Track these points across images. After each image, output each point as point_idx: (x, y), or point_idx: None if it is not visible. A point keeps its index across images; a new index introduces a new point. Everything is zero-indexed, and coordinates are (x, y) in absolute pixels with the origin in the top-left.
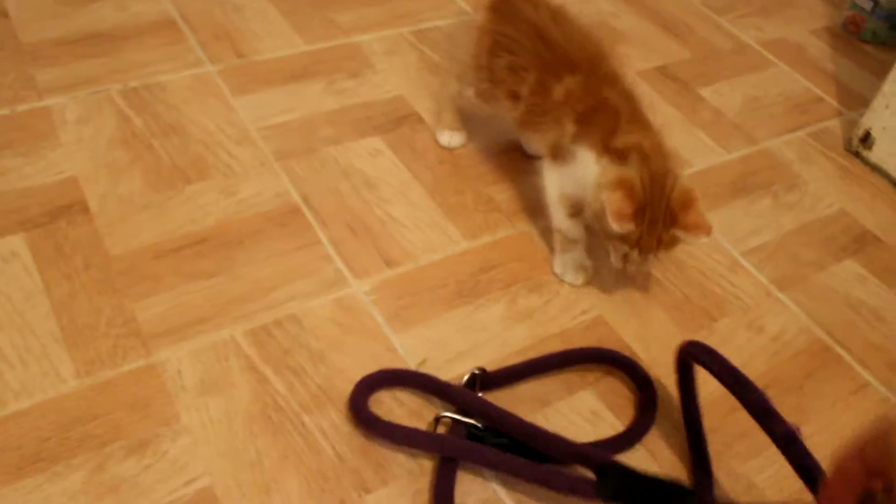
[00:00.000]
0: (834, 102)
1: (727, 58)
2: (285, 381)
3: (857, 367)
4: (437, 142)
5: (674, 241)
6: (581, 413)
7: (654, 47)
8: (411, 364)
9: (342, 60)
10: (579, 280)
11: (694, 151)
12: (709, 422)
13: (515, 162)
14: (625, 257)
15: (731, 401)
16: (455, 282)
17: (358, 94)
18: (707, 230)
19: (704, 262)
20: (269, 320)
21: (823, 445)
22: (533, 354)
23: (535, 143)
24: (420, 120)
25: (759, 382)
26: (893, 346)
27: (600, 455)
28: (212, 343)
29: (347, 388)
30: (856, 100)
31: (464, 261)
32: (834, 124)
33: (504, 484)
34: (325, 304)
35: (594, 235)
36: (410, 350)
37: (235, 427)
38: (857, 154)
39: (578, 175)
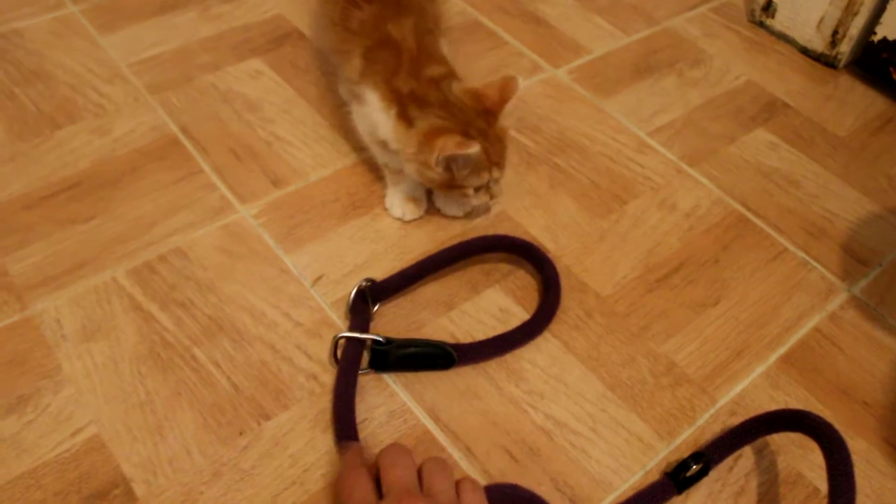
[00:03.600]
0: None
1: None
2: (173, 317)
3: (774, 234)
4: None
5: (504, 133)
6: (489, 311)
7: None
8: (306, 282)
9: None
10: (407, 215)
11: (592, 37)
12: (622, 306)
13: None
14: (486, 188)
15: (645, 283)
16: (347, 194)
17: (235, 18)
18: (514, 81)
19: (610, 145)
20: (152, 256)
21: (745, 316)
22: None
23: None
24: (301, 36)
25: (675, 260)
26: (807, 209)
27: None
28: (92, 287)
29: (240, 314)
30: None
31: (356, 172)
32: None
33: (412, 394)
34: (212, 233)
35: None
36: (304, 269)
37: (122, 370)
38: (761, 24)
39: (373, 119)
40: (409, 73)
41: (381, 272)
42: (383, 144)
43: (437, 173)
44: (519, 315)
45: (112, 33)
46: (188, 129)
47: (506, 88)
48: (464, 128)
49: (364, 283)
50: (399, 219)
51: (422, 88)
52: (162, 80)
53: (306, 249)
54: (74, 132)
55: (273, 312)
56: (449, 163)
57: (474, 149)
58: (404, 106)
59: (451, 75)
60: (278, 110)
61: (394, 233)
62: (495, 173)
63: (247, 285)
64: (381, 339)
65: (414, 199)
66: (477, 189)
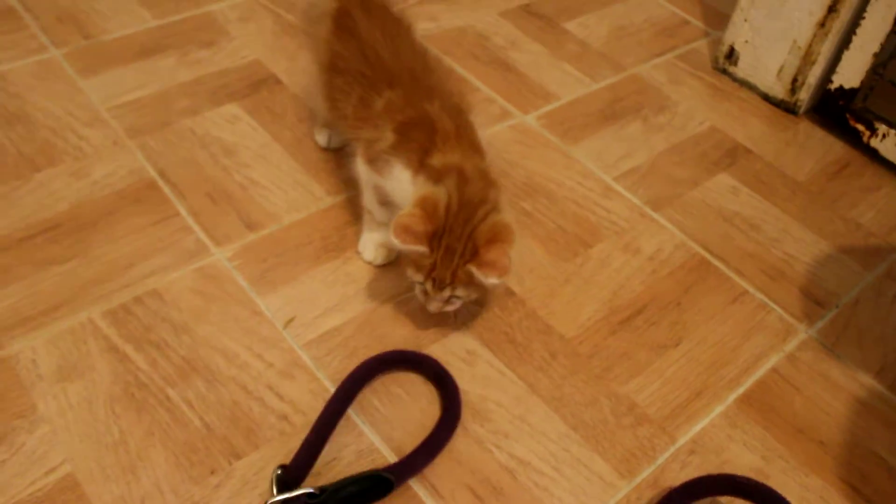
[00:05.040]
0: (700, 24)
1: None
2: (147, 357)
3: (735, 277)
4: (315, 141)
5: (471, 280)
6: (457, 354)
7: None
8: (278, 324)
9: (195, 31)
10: (378, 259)
11: (561, 84)
12: (586, 348)
13: None
14: (424, 291)
15: (609, 325)
16: (320, 238)
17: (213, 63)
18: (501, 272)
19: (576, 190)
20: (128, 298)
21: (705, 357)
22: (403, 301)
23: (356, 145)
24: (278, 81)
25: (638, 302)
26: (767, 252)
27: None
28: (69, 328)
29: (213, 355)
30: (721, 19)
31: (329, 216)
32: (701, 45)
33: (381, 433)
34: (187, 276)
35: None
36: (277, 311)
37: (97, 410)
38: (724, 71)
39: (392, 187)
40: (443, 151)
41: (352, 315)
42: (387, 204)
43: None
44: (485, 356)
45: (92, 77)
46: (166, 172)
47: (494, 264)
48: (438, 231)
49: (278, 472)
50: (370, 262)
51: (467, 172)
52: (141, 124)
53: (279, 292)
54: (54, 175)
55: (246, 353)
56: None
57: (402, 243)
58: (434, 173)
59: (494, 186)
60: (254, 155)
61: (364, 276)
62: (429, 287)
63: (220, 327)
64: (313, 491)
65: (386, 246)
66: (414, 281)
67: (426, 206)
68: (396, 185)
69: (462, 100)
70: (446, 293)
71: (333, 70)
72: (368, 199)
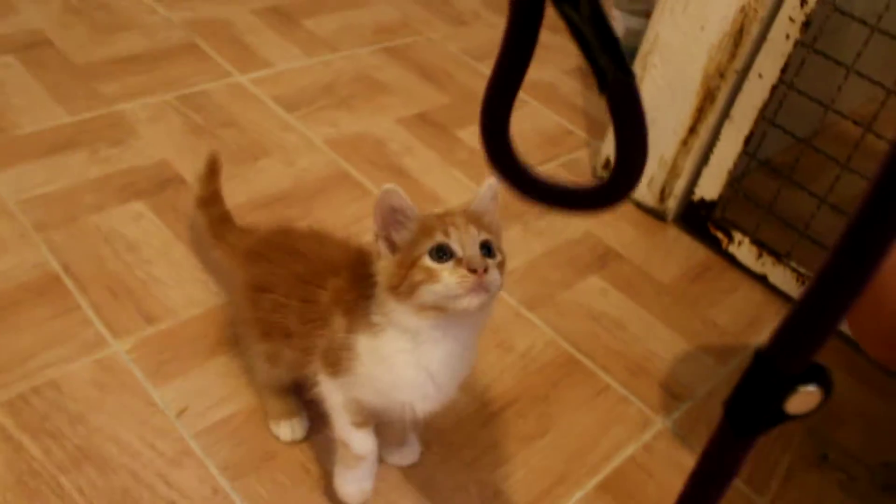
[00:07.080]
0: (583, 133)
1: None
2: (42, 446)
3: (600, 373)
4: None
5: (482, 221)
6: None
7: (415, 95)
8: (171, 414)
9: (106, 129)
10: (366, 500)
11: (450, 190)
12: (458, 438)
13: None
14: (456, 260)
15: (480, 417)
16: (215, 332)
17: (122, 161)
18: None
19: None
20: (25, 388)
21: (569, 447)
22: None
23: (313, 364)
24: (183, 181)
25: (508, 396)
26: (631, 349)
27: None
28: None
29: (106, 444)
30: (602, 129)
31: (225, 312)
32: (583, 154)
33: None
34: (85, 367)
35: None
36: (170, 402)
37: None
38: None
39: (365, 372)
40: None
41: (242, 405)
42: (358, 411)
43: (388, 260)
44: None
45: (3, 170)
46: (69, 266)
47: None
48: None
49: None
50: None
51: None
52: (48, 219)
53: (174, 384)
54: None
55: (138, 443)
56: (385, 224)
57: (403, 200)
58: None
59: None
60: (156, 252)
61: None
62: (454, 234)
63: (115, 417)
64: None
65: (363, 490)
66: (437, 257)
67: None
68: (369, 360)
69: None
70: (472, 231)
71: (260, 290)
72: (342, 425)
